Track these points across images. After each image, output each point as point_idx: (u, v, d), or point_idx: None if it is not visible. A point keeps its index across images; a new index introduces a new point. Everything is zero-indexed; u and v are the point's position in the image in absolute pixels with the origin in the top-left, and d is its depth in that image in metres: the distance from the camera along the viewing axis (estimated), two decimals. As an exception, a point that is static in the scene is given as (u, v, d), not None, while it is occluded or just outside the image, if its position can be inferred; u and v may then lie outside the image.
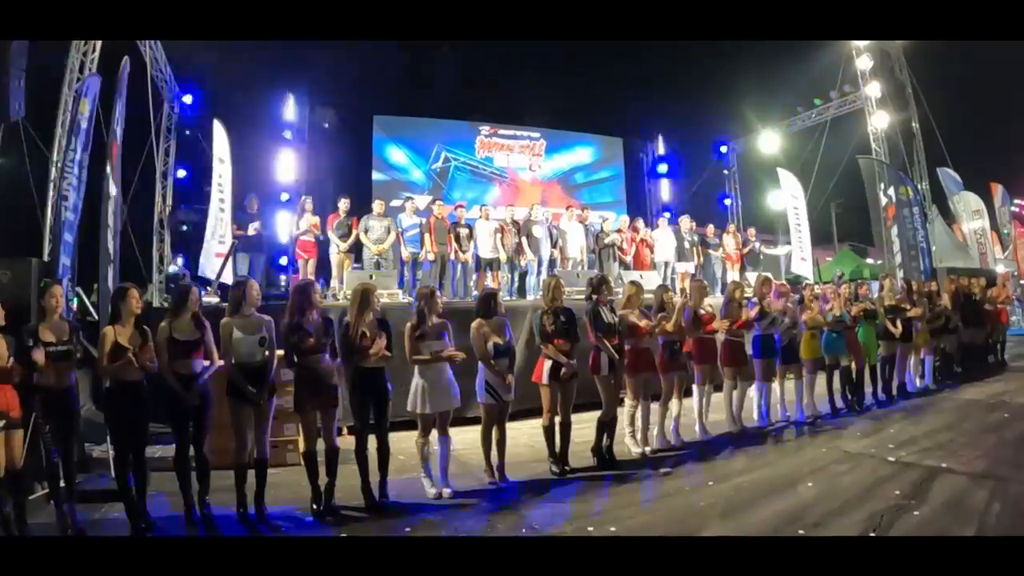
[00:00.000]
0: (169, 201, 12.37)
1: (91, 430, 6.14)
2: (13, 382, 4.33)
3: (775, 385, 7.54)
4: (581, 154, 17.17)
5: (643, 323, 6.23)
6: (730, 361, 7.18)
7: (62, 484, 4.57)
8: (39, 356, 4.36)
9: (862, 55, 15.51)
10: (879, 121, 15.49)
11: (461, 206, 11.41)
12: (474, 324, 5.44)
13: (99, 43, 8.74)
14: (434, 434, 5.23)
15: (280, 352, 4.99)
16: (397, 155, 15.32)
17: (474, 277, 10.55)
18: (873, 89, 15.51)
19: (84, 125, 6.36)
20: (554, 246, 11.17)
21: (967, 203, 17.56)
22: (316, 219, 9.94)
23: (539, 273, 10.68)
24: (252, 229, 10.08)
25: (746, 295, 7.60)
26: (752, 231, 13.52)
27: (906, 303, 8.96)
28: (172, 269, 12.26)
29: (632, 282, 6.63)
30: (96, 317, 6.58)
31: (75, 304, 6.64)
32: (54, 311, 4.63)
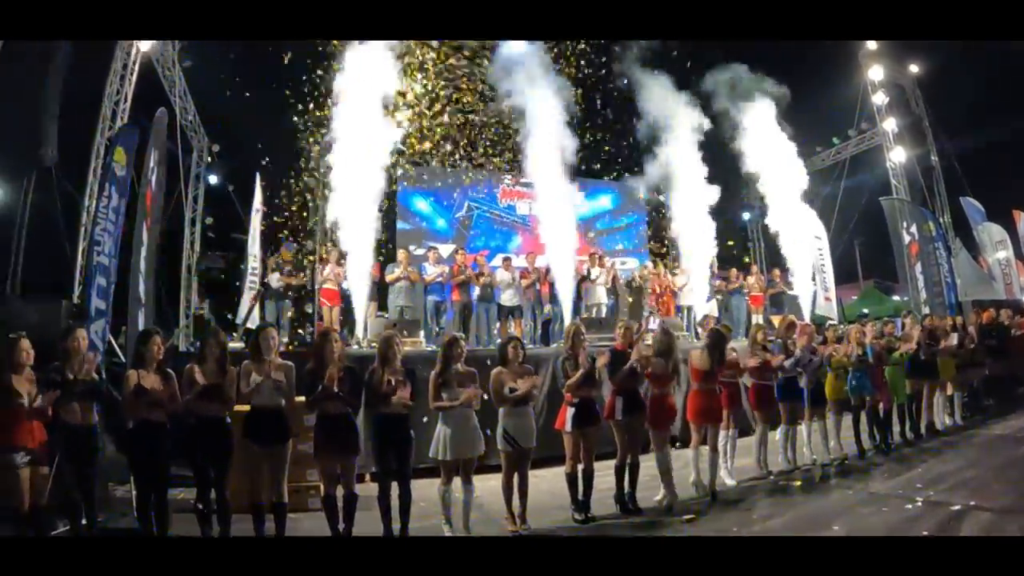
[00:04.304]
0: (197, 247, 12.62)
1: (113, 469, 6.19)
2: (43, 419, 4.45)
3: (801, 427, 7.41)
4: (602, 201, 17.23)
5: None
6: (759, 404, 7.10)
7: (83, 522, 4.63)
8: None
9: (878, 91, 15.57)
10: (898, 156, 15.46)
11: (484, 254, 11.47)
12: (493, 371, 5.46)
13: (131, 92, 9.07)
14: (457, 482, 5.21)
15: (301, 398, 5.04)
16: (421, 204, 15.55)
17: (497, 325, 10.60)
18: (890, 124, 15.52)
19: (120, 173, 6.55)
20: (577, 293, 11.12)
21: (991, 234, 17.32)
22: (340, 268, 10.07)
23: (562, 320, 10.61)
24: (276, 281, 10.24)
25: (769, 337, 7.54)
26: (776, 272, 13.42)
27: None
28: (200, 314, 12.41)
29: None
30: (124, 359, 6.70)
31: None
32: (77, 352, 4.71)
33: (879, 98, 15.56)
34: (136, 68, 9.44)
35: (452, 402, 5.11)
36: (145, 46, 9.34)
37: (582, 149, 10.79)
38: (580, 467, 5.70)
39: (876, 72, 15.52)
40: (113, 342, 6.88)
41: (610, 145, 14.47)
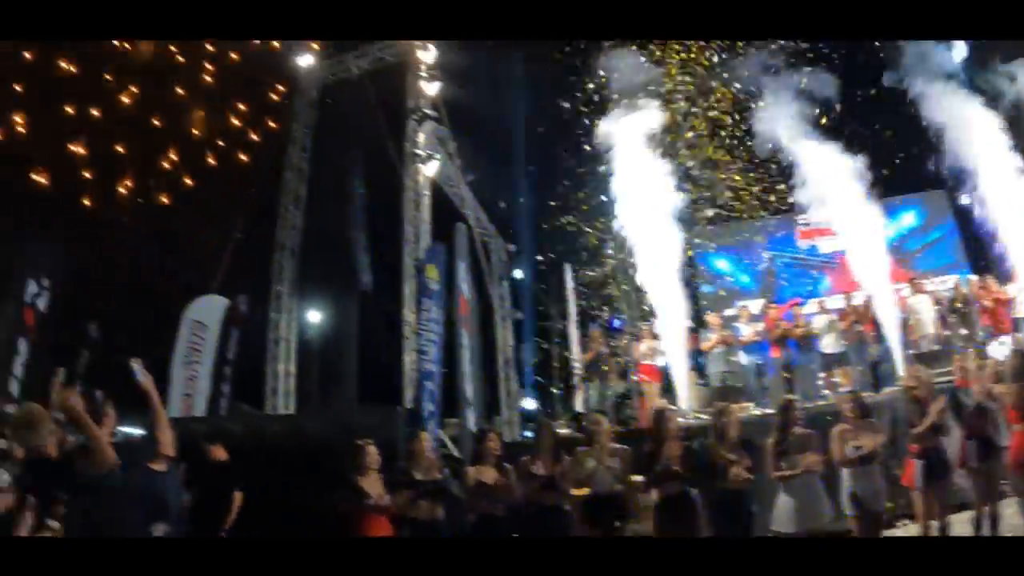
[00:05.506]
0: (511, 341, 13.47)
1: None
2: (390, 517, 4.98)
3: None
4: (906, 219, 15.60)
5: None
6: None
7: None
8: None
9: None
10: None
11: (796, 303, 10.98)
12: (834, 429, 5.16)
13: (427, 214, 10.42)
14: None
15: (639, 477, 5.12)
16: (720, 263, 15.39)
17: (821, 376, 9.94)
18: None
19: (435, 287, 7.49)
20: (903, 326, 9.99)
21: None
22: (656, 343, 10.02)
23: (892, 359, 9.47)
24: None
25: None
26: None
27: None
28: (526, 405, 13.28)
29: None
30: (457, 454, 7.39)
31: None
32: (422, 454, 5.29)
33: None
34: (427, 191, 10.72)
35: (793, 470, 4.92)
36: (430, 171, 10.65)
37: (873, 167, 9.86)
38: (934, 524, 5.14)
39: None
40: (444, 437, 7.64)
41: (900, 157, 13.10)
